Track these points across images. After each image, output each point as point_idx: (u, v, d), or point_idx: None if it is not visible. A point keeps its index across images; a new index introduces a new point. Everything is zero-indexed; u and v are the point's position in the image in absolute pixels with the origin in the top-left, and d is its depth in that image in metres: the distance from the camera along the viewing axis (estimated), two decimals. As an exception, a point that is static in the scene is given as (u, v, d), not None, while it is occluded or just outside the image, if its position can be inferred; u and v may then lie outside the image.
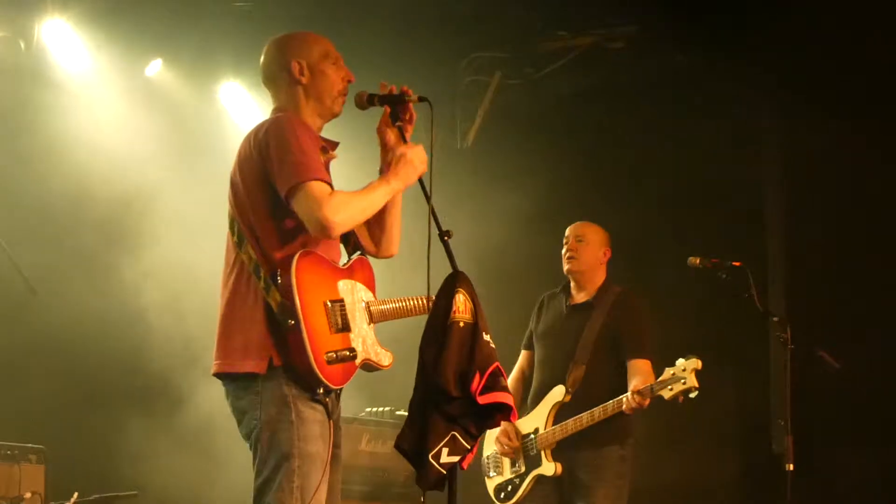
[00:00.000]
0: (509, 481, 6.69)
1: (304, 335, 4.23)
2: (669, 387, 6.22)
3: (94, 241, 8.58)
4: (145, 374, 8.56)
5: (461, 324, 4.11)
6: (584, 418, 6.42)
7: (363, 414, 8.48)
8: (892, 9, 7.86)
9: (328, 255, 4.53)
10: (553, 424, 6.55)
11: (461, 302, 4.13)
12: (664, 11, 8.64)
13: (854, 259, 8.34)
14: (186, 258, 8.37)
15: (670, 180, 9.18)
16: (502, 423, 6.43)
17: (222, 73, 9.42)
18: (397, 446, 4.14)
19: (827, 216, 8.51)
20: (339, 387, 4.38)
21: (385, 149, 4.71)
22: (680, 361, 6.24)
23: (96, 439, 8.41)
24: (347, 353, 4.37)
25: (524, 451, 6.64)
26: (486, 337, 4.15)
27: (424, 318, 4.24)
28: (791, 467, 6.36)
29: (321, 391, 4.31)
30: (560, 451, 6.55)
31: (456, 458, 4.05)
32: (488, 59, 9.80)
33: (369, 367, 4.58)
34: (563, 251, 6.86)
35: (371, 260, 4.80)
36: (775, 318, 6.73)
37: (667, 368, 6.28)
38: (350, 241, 4.76)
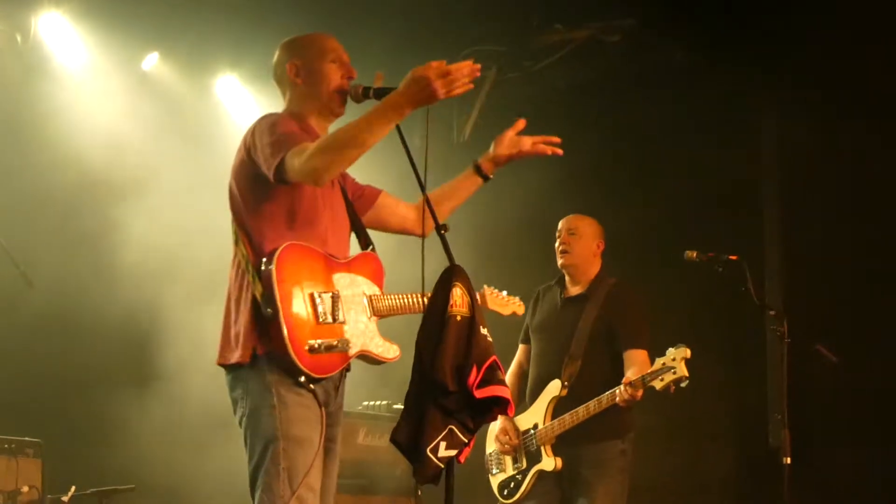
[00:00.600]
0: (512, 478, 6.68)
1: (283, 324, 4.28)
2: (660, 377, 6.20)
3: (90, 232, 8.58)
4: (143, 368, 8.56)
5: (458, 318, 4.11)
6: (581, 412, 6.41)
7: (360, 408, 8.49)
8: (891, 7, 7.86)
9: (333, 249, 4.58)
10: (551, 419, 6.54)
11: (458, 296, 4.13)
12: (662, 5, 8.65)
13: (851, 253, 8.34)
14: (184, 251, 8.38)
15: (668, 174, 9.18)
16: (501, 420, 6.51)
17: (219, 66, 9.42)
18: (393, 440, 4.14)
19: (824, 210, 8.51)
20: (323, 376, 4.40)
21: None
22: (670, 351, 6.23)
23: (93, 433, 8.41)
24: (336, 344, 4.40)
25: (524, 447, 6.63)
26: (484, 331, 4.16)
27: (420, 316, 4.24)
28: (788, 461, 6.35)
29: (303, 379, 4.34)
30: (560, 445, 6.54)
31: (453, 452, 4.05)
32: (485, 52, 9.77)
33: (371, 359, 4.61)
34: (557, 245, 6.86)
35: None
36: (772, 312, 6.72)
37: (657, 359, 6.27)
38: (362, 237, 4.83)
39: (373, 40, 8.41)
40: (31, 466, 7.23)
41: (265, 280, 4.34)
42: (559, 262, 6.85)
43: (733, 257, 6.70)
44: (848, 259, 8.35)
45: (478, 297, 5.31)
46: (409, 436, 4.08)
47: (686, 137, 8.99)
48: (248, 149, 4.48)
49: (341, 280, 4.56)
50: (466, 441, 4.10)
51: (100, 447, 8.36)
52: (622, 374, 6.45)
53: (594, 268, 6.86)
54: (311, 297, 4.41)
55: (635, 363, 6.46)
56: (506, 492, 6.69)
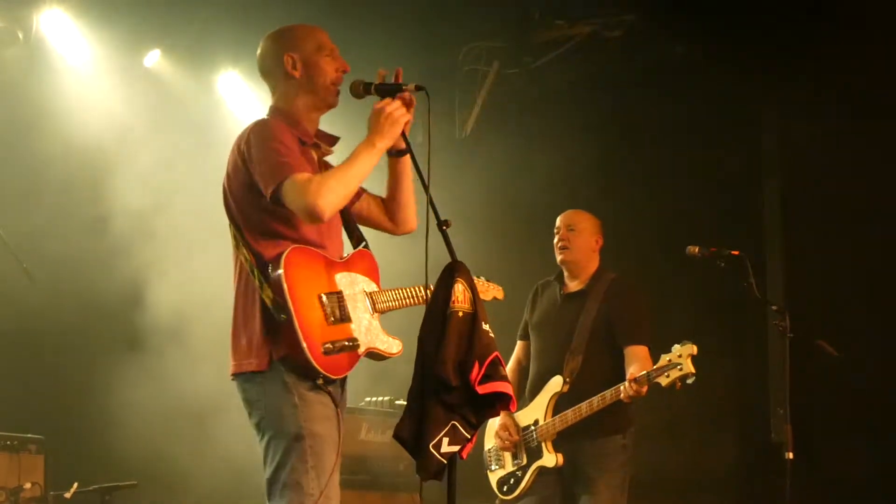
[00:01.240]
0: (511, 474, 6.67)
1: (297, 328, 4.28)
2: (666, 373, 6.18)
3: (91, 228, 8.58)
4: (145, 364, 8.56)
5: (460, 313, 4.11)
6: (583, 408, 6.39)
7: (362, 403, 8.49)
8: (893, 5, 7.87)
9: (329, 250, 4.58)
10: (552, 415, 6.52)
11: (460, 292, 4.13)
12: (663, 1, 8.64)
13: (852, 248, 8.34)
14: (185, 250, 8.38)
15: (669, 169, 9.18)
16: (501, 416, 6.49)
17: (220, 63, 9.42)
18: (396, 436, 4.14)
19: (825, 205, 8.51)
20: (338, 376, 4.41)
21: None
22: (676, 347, 6.22)
23: (95, 429, 8.42)
24: (347, 344, 4.41)
25: (525, 443, 6.62)
26: (486, 326, 4.15)
27: (423, 307, 4.24)
28: (790, 456, 6.35)
29: (321, 381, 4.34)
30: (561, 441, 6.52)
31: (456, 448, 4.05)
32: (486, 48, 9.79)
33: (377, 355, 4.61)
34: (555, 241, 6.84)
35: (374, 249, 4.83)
36: (774, 307, 6.72)
37: (662, 355, 6.25)
38: (354, 233, 4.82)
39: (374, 36, 8.42)
40: (34, 463, 7.24)
41: (275, 286, 4.33)
42: (558, 258, 6.83)
43: (735, 252, 6.69)
44: (849, 254, 8.35)
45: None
46: (412, 432, 4.09)
47: (687, 133, 8.99)
48: (243, 157, 4.47)
49: (342, 279, 4.56)
50: (469, 437, 4.10)
51: (102, 443, 8.37)
52: (623, 370, 6.43)
53: (593, 263, 6.84)
54: (319, 298, 4.41)
55: (636, 359, 6.43)
56: (505, 488, 6.68)
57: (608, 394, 6.33)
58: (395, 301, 4.75)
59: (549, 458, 6.51)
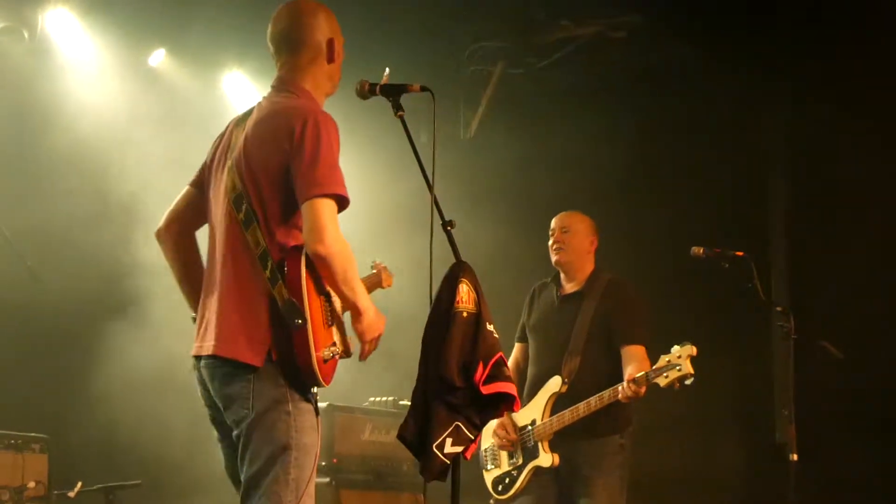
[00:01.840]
0: (507, 473, 6.66)
1: (311, 336, 4.10)
2: (665, 374, 6.17)
3: (97, 230, 8.58)
4: (150, 363, 8.56)
5: (464, 314, 4.11)
6: (581, 408, 6.38)
7: (366, 403, 8.49)
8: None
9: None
10: (550, 415, 6.51)
11: (464, 292, 4.13)
12: (668, 1, 8.64)
13: (857, 249, 8.33)
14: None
15: (673, 170, 9.18)
16: (509, 416, 6.48)
17: (226, 62, 9.43)
18: (400, 436, 4.15)
19: (830, 206, 8.51)
20: (328, 384, 4.25)
21: None
22: (675, 348, 6.20)
23: (100, 429, 8.42)
24: (335, 350, 4.23)
25: (522, 443, 6.61)
26: (490, 327, 4.16)
27: (426, 311, 4.22)
28: (795, 457, 6.34)
29: (315, 389, 4.22)
30: (558, 441, 6.51)
31: (460, 449, 4.06)
32: (491, 48, 9.79)
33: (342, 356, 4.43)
34: (550, 243, 6.83)
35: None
36: (778, 308, 6.72)
37: (662, 356, 6.23)
38: None
39: (379, 36, 8.42)
40: (38, 462, 7.23)
41: (293, 287, 4.11)
42: (553, 259, 6.82)
43: (739, 253, 6.68)
44: (854, 255, 8.34)
45: (384, 275, 5.35)
46: (416, 432, 4.09)
47: (692, 134, 8.99)
48: (292, 139, 4.18)
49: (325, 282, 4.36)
50: (473, 437, 4.10)
51: (106, 443, 8.37)
52: (621, 370, 6.43)
53: (589, 265, 6.83)
54: (322, 302, 4.24)
55: (634, 359, 6.42)
56: (500, 487, 6.66)
57: (606, 394, 6.32)
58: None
59: (546, 458, 6.49)
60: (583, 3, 9.08)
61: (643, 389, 6.23)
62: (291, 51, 4.48)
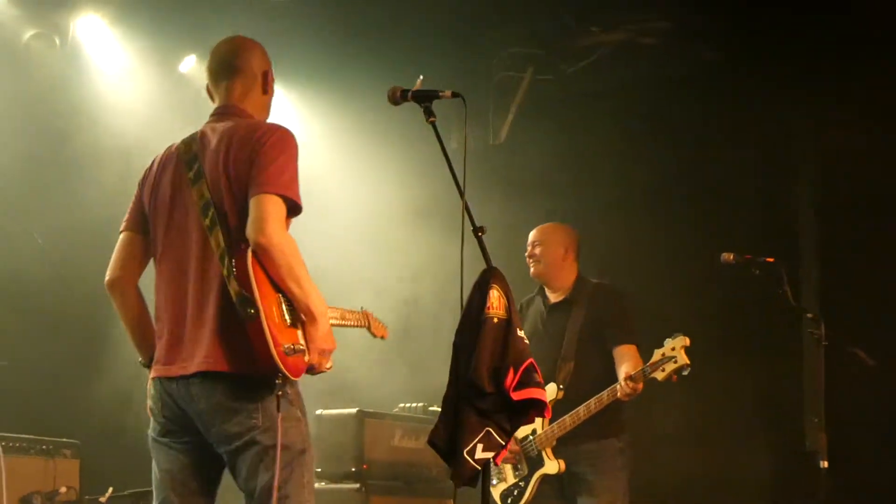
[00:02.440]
0: (515, 486, 6.71)
1: (264, 324, 4.14)
2: (661, 368, 6.23)
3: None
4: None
5: (495, 320, 4.11)
6: (581, 411, 6.44)
7: (396, 409, 8.50)
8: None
9: None
10: (550, 423, 6.57)
11: (495, 298, 4.13)
12: (696, 7, 8.63)
13: (887, 255, 8.30)
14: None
15: (702, 176, 9.15)
16: None
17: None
18: (430, 442, 4.15)
19: (860, 212, 8.48)
20: (297, 378, 4.29)
21: None
22: (668, 341, 6.26)
23: (131, 434, 8.44)
24: (301, 347, 4.27)
25: (525, 453, 6.67)
26: (520, 333, 4.16)
27: (457, 317, 4.22)
28: (825, 465, 6.32)
29: (279, 380, 4.22)
30: (560, 448, 6.59)
31: (490, 454, 4.05)
32: (521, 54, 9.79)
33: (309, 369, 4.42)
34: (526, 258, 6.94)
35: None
36: (809, 315, 6.70)
37: (655, 350, 6.30)
38: None
39: (410, 43, 8.44)
40: (69, 467, 7.28)
41: (241, 279, 4.20)
42: (531, 272, 6.92)
43: (770, 259, 6.67)
44: (884, 261, 8.31)
45: (371, 318, 5.39)
46: (446, 438, 4.09)
47: (721, 140, 8.96)
48: (255, 150, 4.33)
49: None
50: (503, 443, 4.10)
51: (138, 448, 8.38)
52: (614, 372, 6.48)
53: (569, 273, 6.91)
54: (278, 299, 4.28)
55: (628, 358, 6.49)
56: (510, 500, 6.72)
57: (604, 395, 6.38)
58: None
59: (552, 465, 6.56)
60: (612, 9, 9.07)
61: (640, 385, 6.29)
62: (229, 77, 4.68)
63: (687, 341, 6.23)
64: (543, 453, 6.58)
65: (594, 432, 6.51)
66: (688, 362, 6.19)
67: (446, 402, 4.15)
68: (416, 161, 8.41)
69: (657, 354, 6.28)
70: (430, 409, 8.40)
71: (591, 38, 9.47)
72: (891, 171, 8.23)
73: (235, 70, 4.68)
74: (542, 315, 6.89)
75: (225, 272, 4.25)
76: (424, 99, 4.52)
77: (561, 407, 6.52)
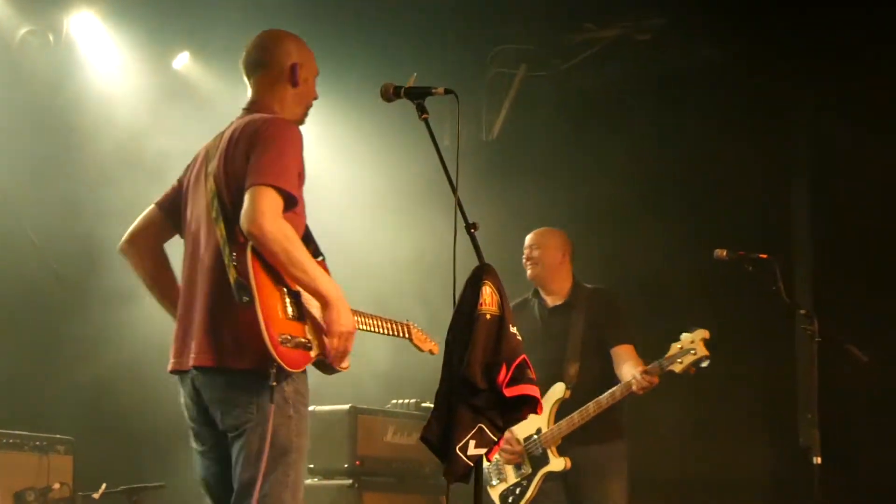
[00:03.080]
0: (516, 485, 6.78)
1: (259, 311, 4.19)
2: (679, 360, 6.36)
3: (120, 233, 8.60)
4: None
5: (488, 316, 4.11)
6: (591, 408, 6.56)
7: (389, 406, 8.50)
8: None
9: None
10: (555, 421, 6.66)
11: (488, 294, 4.13)
12: (692, 4, 8.63)
13: (881, 251, 8.31)
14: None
15: (697, 172, 9.15)
16: (510, 430, 6.53)
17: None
18: (423, 438, 4.15)
19: (854, 208, 8.48)
20: (293, 370, 4.29)
21: None
22: (685, 335, 6.41)
23: (124, 431, 8.45)
24: (303, 341, 4.34)
25: (528, 452, 6.75)
26: (513, 329, 4.16)
27: (450, 313, 4.22)
28: (819, 461, 6.32)
29: (274, 370, 4.23)
30: (566, 447, 6.67)
31: (483, 450, 4.05)
32: (514, 51, 9.79)
33: (326, 365, 4.52)
34: (523, 260, 7.05)
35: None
36: (802, 311, 6.69)
37: (672, 344, 6.42)
38: (310, 245, 4.66)
39: (403, 39, 8.43)
40: (63, 463, 7.28)
41: (241, 268, 4.26)
42: (528, 275, 7.03)
43: (763, 256, 6.67)
44: (878, 257, 8.32)
45: (413, 329, 5.37)
46: (439, 434, 4.09)
47: (716, 136, 8.96)
48: (253, 141, 4.41)
49: None
50: (496, 439, 4.10)
51: (131, 445, 8.40)
52: (614, 372, 6.67)
53: (566, 277, 7.06)
54: (281, 291, 4.33)
55: (629, 356, 6.67)
56: (511, 499, 6.78)
57: (616, 391, 6.51)
58: (361, 322, 4.76)
59: (557, 463, 6.65)
60: (607, 5, 9.07)
61: (656, 379, 6.42)
62: (256, 72, 4.77)
63: (706, 334, 6.39)
64: (549, 451, 6.66)
65: (599, 435, 6.64)
66: (707, 353, 6.34)
67: (439, 398, 4.15)
68: (408, 157, 8.40)
69: (674, 348, 6.41)
70: (423, 405, 8.40)
71: (586, 34, 9.46)
72: (885, 168, 8.24)
73: (260, 64, 4.76)
74: (542, 318, 7.01)
75: (226, 261, 4.31)
76: (417, 96, 4.54)
77: (568, 407, 6.66)
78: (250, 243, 4.25)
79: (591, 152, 9.39)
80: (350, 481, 7.73)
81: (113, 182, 8.55)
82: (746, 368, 8.33)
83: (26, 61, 8.31)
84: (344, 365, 4.52)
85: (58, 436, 7.33)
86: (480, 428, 4.06)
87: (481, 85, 9.95)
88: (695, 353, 6.34)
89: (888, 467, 7.97)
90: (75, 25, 8.52)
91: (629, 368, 6.52)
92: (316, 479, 7.75)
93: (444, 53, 9.05)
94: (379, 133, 8.82)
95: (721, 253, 6.74)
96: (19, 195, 8.12)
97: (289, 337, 4.27)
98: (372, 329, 4.98)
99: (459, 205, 4.31)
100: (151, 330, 8.49)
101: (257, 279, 4.24)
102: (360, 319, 4.77)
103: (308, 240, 4.56)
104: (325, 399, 7.78)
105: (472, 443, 4.04)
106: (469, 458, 4.04)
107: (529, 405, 4.16)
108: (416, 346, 5.43)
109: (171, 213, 4.78)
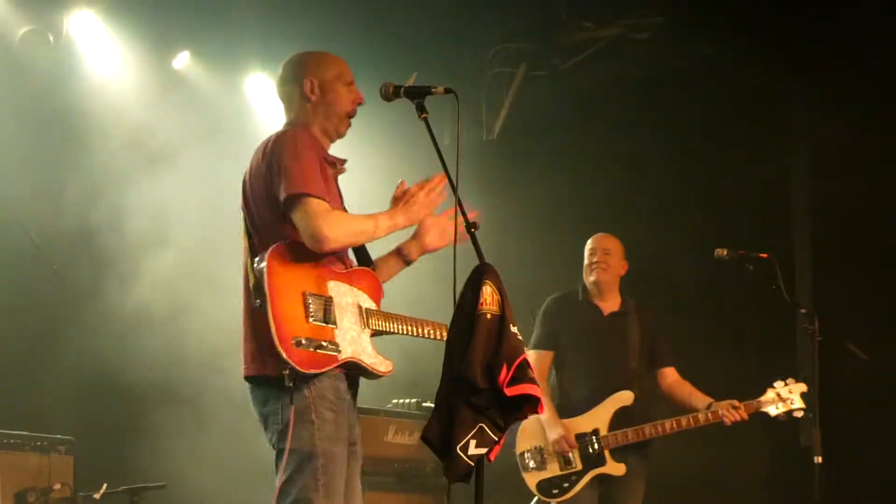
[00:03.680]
0: (563, 477, 6.82)
1: (269, 314, 4.31)
2: (776, 405, 6.62)
3: (119, 233, 8.60)
4: (174, 366, 8.59)
5: (488, 315, 4.10)
6: (667, 426, 6.72)
7: (390, 405, 8.50)
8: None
9: (335, 259, 4.64)
10: (613, 427, 6.75)
11: (488, 293, 4.12)
12: (690, 3, 8.63)
13: (881, 250, 8.31)
14: (213, 253, 8.40)
15: (697, 171, 9.16)
16: (559, 425, 6.67)
17: (249, 65, 9.44)
18: (424, 438, 4.14)
19: (854, 207, 8.48)
20: (310, 371, 4.38)
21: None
22: (779, 383, 6.64)
23: (125, 431, 8.44)
24: (325, 345, 4.42)
25: (582, 449, 6.79)
26: (514, 329, 4.15)
27: (450, 313, 4.22)
28: (819, 460, 6.34)
29: (287, 372, 4.33)
30: (618, 454, 6.79)
31: (483, 450, 4.04)
32: (514, 50, 9.79)
33: (362, 369, 4.61)
34: (591, 261, 7.06)
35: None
36: (802, 310, 6.72)
37: (769, 389, 6.65)
38: (363, 258, 4.86)
39: (403, 38, 8.43)
40: (63, 464, 7.26)
41: (258, 273, 4.40)
42: (592, 278, 7.04)
43: (763, 255, 6.70)
44: (878, 256, 8.32)
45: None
46: (440, 434, 4.08)
47: (716, 135, 8.97)
48: (268, 161, 4.54)
49: (336, 288, 4.58)
50: (497, 439, 4.09)
51: (131, 445, 8.40)
52: (655, 389, 6.96)
53: (617, 286, 7.12)
54: (303, 295, 4.43)
55: (679, 380, 6.94)
56: (555, 491, 6.82)
57: (700, 416, 6.73)
58: (391, 325, 4.77)
59: (616, 467, 6.79)
60: (606, 4, 9.07)
61: (748, 416, 6.69)
62: (282, 96, 4.89)
63: (804, 388, 6.62)
64: (606, 454, 6.77)
65: (644, 450, 6.85)
66: (804, 407, 6.59)
67: (440, 398, 4.14)
68: (408, 157, 8.40)
69: (771, 392, 6.66)
70: (424, 405, 8.40)
71: (585, 33, 9.46)
72: (884, 167, 8.24)
73: (282, 89, 4.87)
74: (599, 322, 7.06)
75: (248, 268, 4.49)
76: (417, 95, 4.56)
77: (626, 415, 6.79)
78: (269, 252, 4.40)
79: (591, 151, 9.40)
80: (350, 481, 7.72)
81: (113, 182, 8.54)
82: (747, 367, 8.32)
83: (26, 61, 8.31)
84: (382, 368, 4.66)
85: (59, 436, 7.32)
86: (481, 428, 4.05)
87: (481, 84, 9.95)
88: (792, 404, 6.59)
89: (889, 466, 7.98)
90: (75, 25, 8.51)
91: (700, 397, 6.80)
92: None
93: (444, 53, 9.05)
94: (379, 133, 8.81)
95: (722, 252, 6.77)
96: (18, 194, 8.11)
97: (304, 339, 4.36)
98: (408, 332, 4.91)
99: (459, 204, 4.31)
100: (154, 329, 8.53)
101: (273, 283, 4.36)
102: (395, 324, 4.80)
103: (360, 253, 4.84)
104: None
105: (472, 442, 4.03)
106: (470, 457, 4.03)
107: (530, 404, 4.15)
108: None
109: None
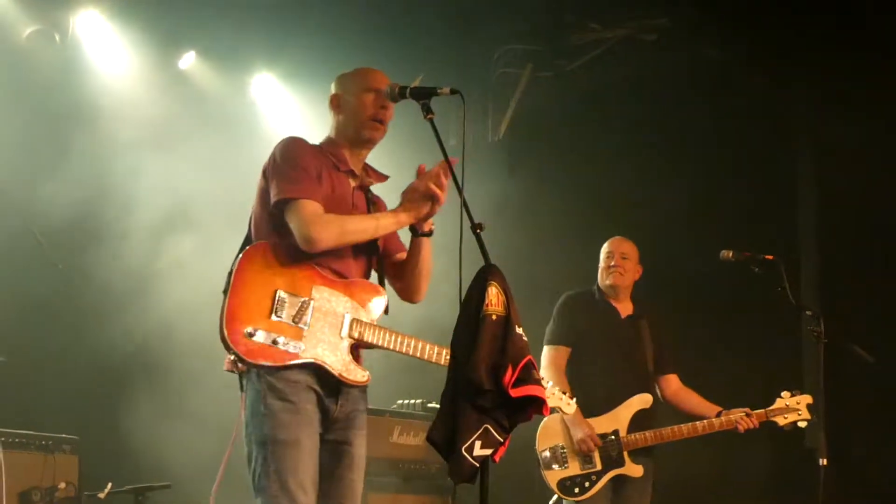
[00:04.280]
0: (584, 477, 6.85)
1: (225, 302, 4.51)
2: (784, 415, 6.79)
3: (126, 234, 8.61)
4: (179, 367, 8.59)
5: (493, 316, 4.09)
6: (685, 430, 6.84)
7: (395, 406, 8.50)
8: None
9: (341, 267, 4.73)
10: (631, 429, 6.82)
11: (493, 294, 4.12)
12: (697, 4, 8.62)
13: (887, 252, 8.30)
14: (220, 250, 8.40)
15: (702, 173, 9.15)
16: (584, 424, 6.73)
17: (255, 65, 9.45)
18: (429, 439, 4.14)
19: (860, 210, 8.47)
20: (255, 362, 4.51)
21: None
22: (786, 394, 6.80)
23: (130, 431, 8.44)
24: (283, 341, 4.54)
25: (602, 450, 6.84)
26: (519, 330, 4.14)
27: (455, 314, 4.22)
28: (825, 462, 6.33)
29: (232, 357, 4.52)
30: (635, 456, 6.86)
31: (488, 451, 4.04)
32: (520, 51, 9.79)
33: (330, 374, 4.65)
34: (608, 264, 7.13)
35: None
36: (808, 312, 6.70)
37: (778, 399, 6.79)
38: (381, 273, 4.96)
39: (409, 40, 8.43)
40: (68, 463, 7.27)
41: (233, 263, 4.60)
42: (609, 281, 7.11)
43: (769, 257, 6.69)
44: (884, 259, 8.31)
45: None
46: (445, 435, 4.08)
47: (722, 137, 8.96)
48: (265, 166, 4.72)
49: (321, 292, 4.65)
50: (502, 440, 4.09)
51: (136, 444, 8.40)
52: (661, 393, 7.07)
53: (631, 291, 7.21)
54: (275, 292, 4.56)
55: (682, 387, 7.11)
56: (576, 490, 6.85)
57: (716, 422, 6.85)
58: (379, 338, 4.79)
59: (634, 469, 6.87)
60: (613, 5, 9.07)
61: (759, 425, 6.86)
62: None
63: (810, 399, 6.76)
64: (625, 454, 6.84)
65: (657, 452, 6.96)
66: (810, 418, 6.75)
67: (445, 398, 4.14)
68: (415, 159, 8.39)
69: (779, 403, 6.84)
70: (429, 405, 8.41)
71: (592, 34, 9.46)
72: (890, 168, 8.23)
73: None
74: (618, 324, 7.12)
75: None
76: (423, 96, 4.60)
77: (646, 417, 6.90)
78: (247, 249, 4.62)
79: (596, 152, 9.39)
80: (356, 482, 7.72)
81: (118, 181, 8.55)
82: (752, 369, 8.31)
83: (32, 60, 8.32)
84: (355, 377, 4.70)
85: (63, 435, 7.32)
86: (486, 429, 4.05)
87: (487, 85, 9.95)
88: (800, 414, 6.75)
89: (894, 468, 7.97)
90: (81, 24, 8.53)
91: (707, 406, 6.98)
92: (321, 480, 7.74)
93: (451, 54, 9.05)
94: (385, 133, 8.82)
95: (727, 254, 6.78)
96: (23, 193, 8.12)
97: (259, 332, 4.50)
98: (402, 350, 4.92)
99: (465, 205, 4.31)
100: (158, 328, 8.53)
101: (240, 276, 4.56)
102: (385, 339, 4.83)
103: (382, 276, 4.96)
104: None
105: (477, 443, 4.03)
106: (475, 458, 4.03)
107: (535, 406, 4.15)
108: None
109: None
